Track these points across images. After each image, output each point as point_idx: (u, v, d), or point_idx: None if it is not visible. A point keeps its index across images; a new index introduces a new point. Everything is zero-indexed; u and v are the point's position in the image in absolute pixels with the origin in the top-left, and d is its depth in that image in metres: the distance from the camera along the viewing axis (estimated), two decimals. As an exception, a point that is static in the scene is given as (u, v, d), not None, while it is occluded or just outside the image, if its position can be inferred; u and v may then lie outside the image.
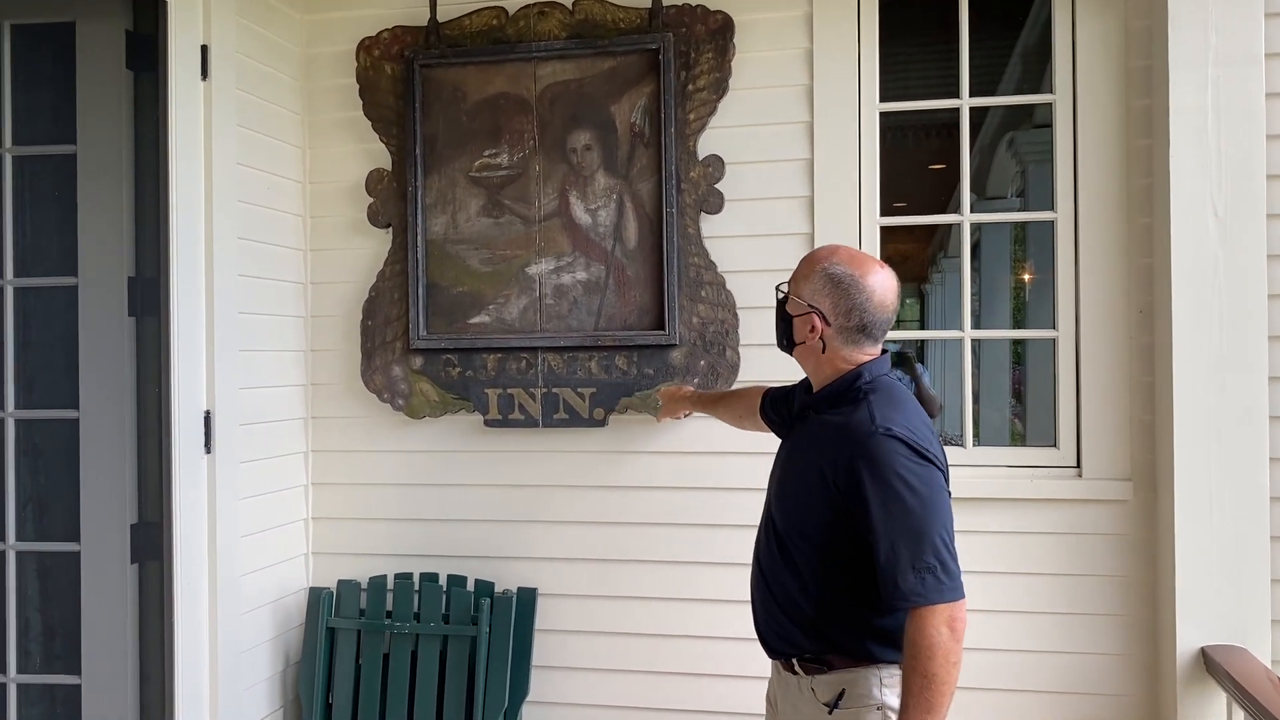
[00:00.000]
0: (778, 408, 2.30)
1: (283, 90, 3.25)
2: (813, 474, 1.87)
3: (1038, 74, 4.52)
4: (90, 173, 2.74)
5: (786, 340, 2.01)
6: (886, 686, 1.84)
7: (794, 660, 1.94)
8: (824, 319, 1.91)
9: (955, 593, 1.71)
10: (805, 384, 2.12)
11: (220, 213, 2.88)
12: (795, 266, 2.03)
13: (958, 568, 1.74)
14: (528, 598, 3.12)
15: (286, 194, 3.26)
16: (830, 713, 1.85)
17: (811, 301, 1.92)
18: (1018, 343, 7.26)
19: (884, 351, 1.98)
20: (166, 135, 2.76)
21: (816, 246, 2.02)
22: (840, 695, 1.85)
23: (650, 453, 3.12)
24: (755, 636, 2.96)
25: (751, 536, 2.97)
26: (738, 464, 3.04)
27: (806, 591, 1.90)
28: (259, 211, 3.10)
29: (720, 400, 2.69)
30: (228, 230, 2.92)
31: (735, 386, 3.00)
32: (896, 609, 1.74)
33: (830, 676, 1.88)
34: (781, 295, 2.02)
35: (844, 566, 1.84)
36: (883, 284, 1.90)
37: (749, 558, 3.00)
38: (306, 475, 3.36)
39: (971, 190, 6.50)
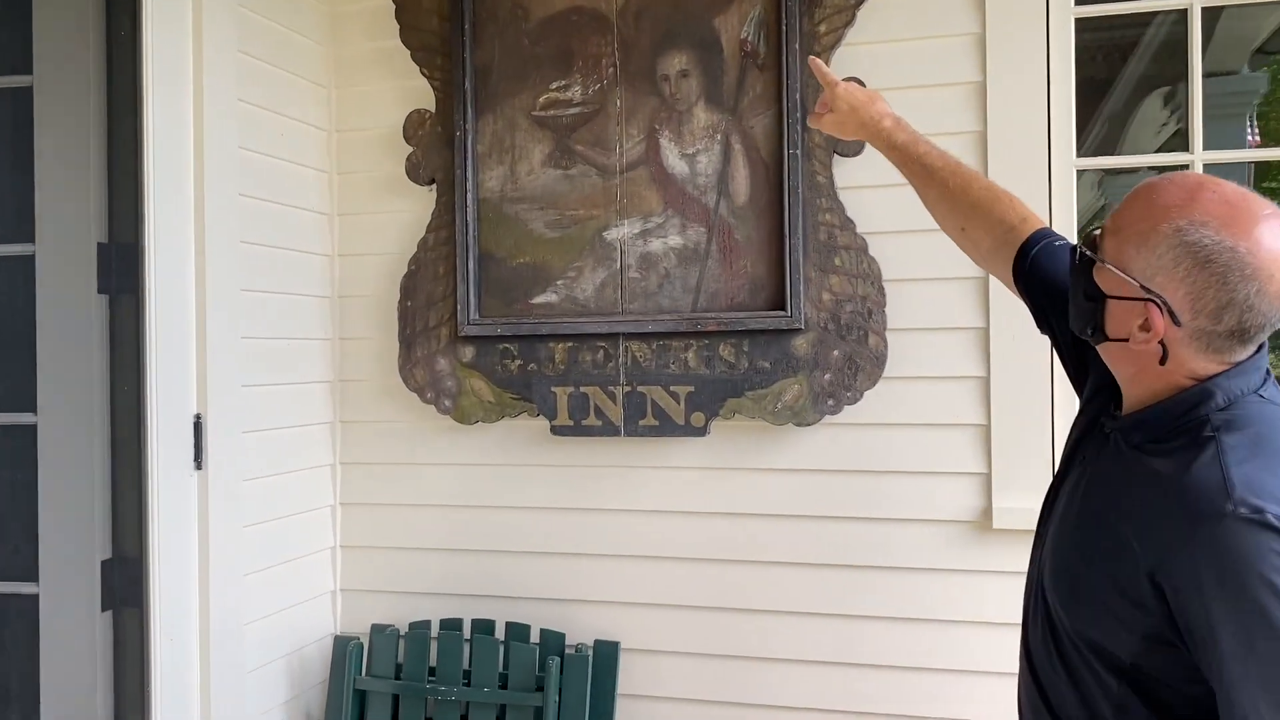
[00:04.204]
0: (1050, 296, 1.42)
1: (301, 14, 2.70)
2: (1113, 555, 1.13)
3: None
4: (50, 110, 2.26)
5: (1091, 327, 1.22)
6: None
7: None
8: (1171, 315, 1.12)
9: None
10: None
11: (215, 161, 2.38)
12: (1119, 207, 1.21)
13: None
14: (608, 654, 2.55)
15: (307, 144, 2.73)
16: None
17: (1151, 284, 1.13)
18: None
19: (1260, 349, 1.16)
20: (141, 58, 2.25)
21: (1158, 177, 1.16)
22: None
23: (764, 470, 2.53)
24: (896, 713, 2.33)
25: (900, 582, 2.35)
26: (885, 485, 2.42)
27: None
28: (269, 163, 2.58)
29: (935, 172, 1.61)
30: (225, 185, 2.42)
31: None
32: None
33: None
34: (1085, 254, 1.22)
35: (1164, 708, 1.11)
36: None
37: (902, 610, 2.36)
38: (334, 494, 2.83)
39: (1102, 152, 5.85)
